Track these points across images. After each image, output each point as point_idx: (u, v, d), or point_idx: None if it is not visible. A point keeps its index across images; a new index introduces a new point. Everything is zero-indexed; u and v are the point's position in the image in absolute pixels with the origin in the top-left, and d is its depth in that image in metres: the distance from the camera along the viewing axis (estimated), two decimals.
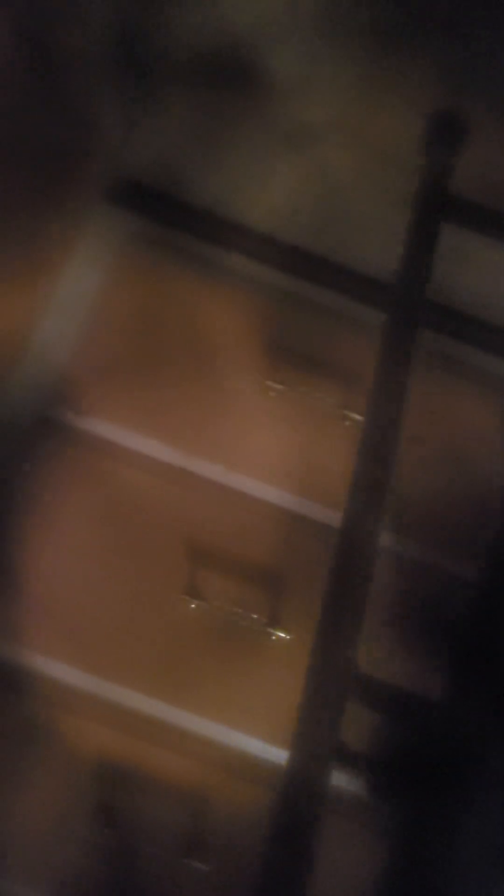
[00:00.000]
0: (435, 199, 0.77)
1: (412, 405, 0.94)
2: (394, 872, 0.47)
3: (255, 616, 0.88)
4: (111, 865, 0.82)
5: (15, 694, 0.84)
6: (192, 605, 0.87)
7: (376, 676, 0.55)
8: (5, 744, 0.82)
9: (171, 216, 0.95)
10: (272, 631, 0.88)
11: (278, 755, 0.85)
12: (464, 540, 0.86)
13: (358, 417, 0.93)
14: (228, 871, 0.84)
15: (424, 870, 0.41)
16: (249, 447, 0.93)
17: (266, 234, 0.95)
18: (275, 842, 0.54)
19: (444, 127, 0.80)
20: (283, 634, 0.88)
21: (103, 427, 0.90)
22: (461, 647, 0.49)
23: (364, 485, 0.65)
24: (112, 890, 0.82)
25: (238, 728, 0.86)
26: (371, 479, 0.65)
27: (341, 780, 0.83)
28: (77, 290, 0.92)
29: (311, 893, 0.52)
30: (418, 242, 0.76)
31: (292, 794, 0.54)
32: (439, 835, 0.41)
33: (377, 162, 0.84)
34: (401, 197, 0.85)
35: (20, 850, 0.81)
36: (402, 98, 0.80)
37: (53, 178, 0.84)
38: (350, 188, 0.87)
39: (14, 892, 0.81)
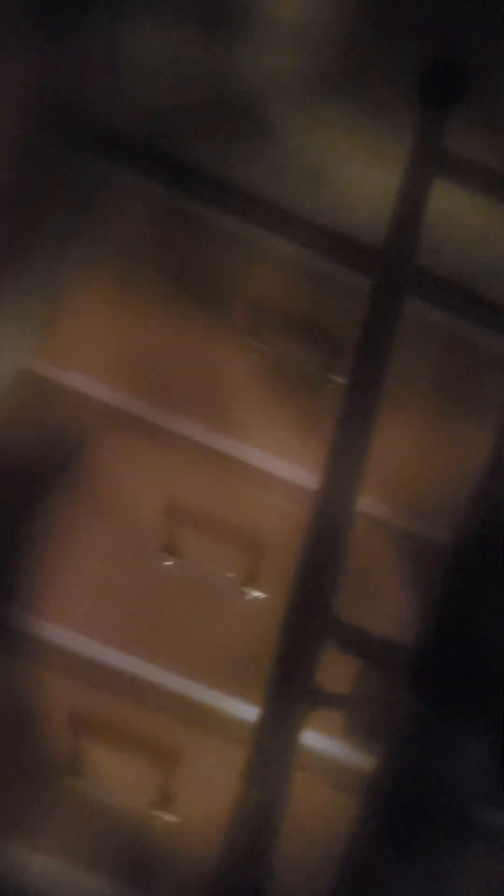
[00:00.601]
0: (428, 157, 0.76)
1: (396, 372, 0.94)
2: (365, 826, 0.47)
3: (231, 575, 0.88)
4: (83, 816, 0.83)
5: None
6: (169, 563, 0.88)
7: (352, 622, 0.55)
8: None
9: (160, 171, 0.93)
10: (247, 590, 0.88)
11: (249, 711, 0.86)
12: (441, 507, 0.87)
13: (341, 381, 0.93)
14: (197, 824, 0.85)
15: (396, 823, 0.41)
16: (231, 407, 0.92)
17: (253, 192, 0.94)
18: (245, 794, 0.55)
19: (439, 82, 0.79)
20: (257, 594, 0.88)
21: (83, 382, 0.89)
22: (434, 607, 0.50)
23: (342, 448, 0.65)
24: (83, 841, 0.84)
25: (209, 684, 0.87)
26: (350, 443, 0.65)
27: (314, 739, 0.84)
28: (62, 241, 0.90)
29: (277, 849, 0.52)
30: (409, 203, 0.75)
31: (265, 743, 0.55)
32: (414, 783, 0.41)
33: (370, 118, 0.83)
34: (393, 156, 0.84)
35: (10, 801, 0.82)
36: (397, 52, 0.79)
37: (44, 126, 0.82)
38: (341, 145, 0.85)
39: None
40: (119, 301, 0.91)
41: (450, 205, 0.87)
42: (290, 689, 0.56)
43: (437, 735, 0.39)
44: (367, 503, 0.91)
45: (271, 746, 0.54)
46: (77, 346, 0.90)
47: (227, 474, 0.91)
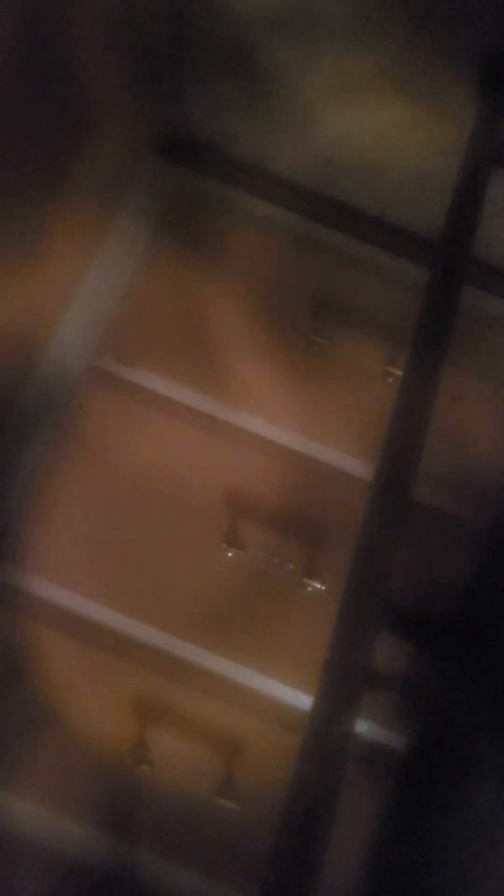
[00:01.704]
0: (486, 150, 0.76)
1: (455, 364, 0.93)
2: (408, 816, 0.48)
3: (292, 566, 0.89)
4: (146, 801, 0.85)
5: (60, 634, 0.87)
6: (230, 554, 0.89)
7: (409, 606, 0.56)
8: (52, 681, 0.85)
9: (218, 169, 0.95)
10: (307, 581, 0.89)
11: (308, 702, 0.87)
12: (497, 499, 0.86)
13: (401, 374, 0.93)
14: (257, 812, 0.86)
15: (439, 813, 0.42)
16: (291, 401, 0.93)
17: (313, 188, 0.95)
18: (298, 780, 0.56)
19: (497, 75, 0.79)
20: (317, 585, 0.89)
21: (148, 378, 0.91)
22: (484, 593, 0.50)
23: (398, 440, 0.65)
24: (146, 825, 0.86)
25: (270, 675, 0.88)
26: (405, 435, 0.65)
27: (364, 728, 0.84)
28: (125, 241, 0.93)
29: (331, 830, 0.53)
30: (466, 196, 0.75)
31: (320, 724, 0.55)
32: (460, 773, 0.42)
33: (428, 112, 0.83)
34: (451, 149, 0.84)
35: (62, 783, 0.85)
36: (455, 46, 0.79)
37: (102, 131, 0.84)
38: (399, 140, 0.86)
39: (54, 823, 0.85)
40: (183, 298, 0.94)
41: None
42: (346, 671, 0.57)
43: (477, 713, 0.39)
44: (424, 492, 0.91)
45: (326, 728, 0.55)
46: (143, 343, 0.93)
47: (288, 467, 0.92)
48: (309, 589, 0.89)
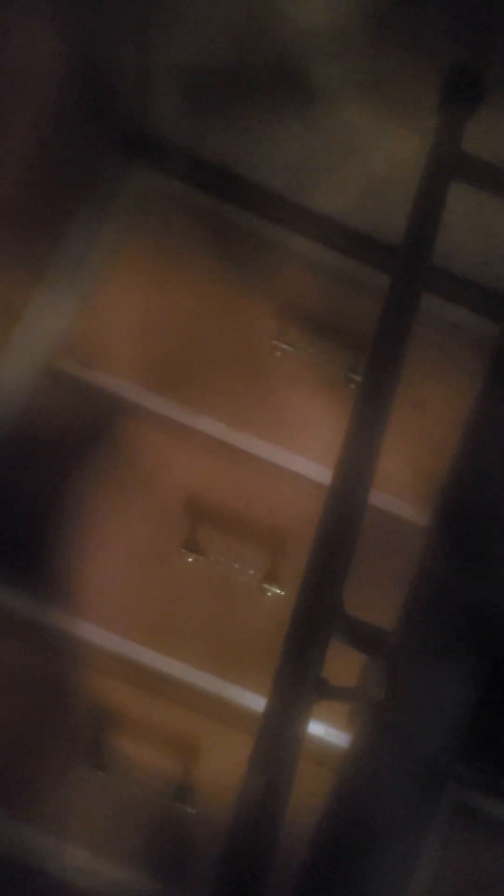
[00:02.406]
0: (446, 161, 0.77)
1: (416, 372, 0.94)
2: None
3: (252, 572, 0.89)
4: (103, 807, 0.85)
5: (16, 640, 0.86)
6: (190, 559, 0.89)
7: (360, 617, 0.56)
8: (8, 687, 0.85)
9: (183, 171, 0.95)
10: (267, 587, 0.89)
11: None
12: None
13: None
14: (215, 815, 0.86)
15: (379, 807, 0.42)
16: (254, 406, 0.93)
17: (278, 192, 0.95)
18: (249, 781, 0.56)
19: (459, 86, 0.79)
20: (277, 591, 0.89)
21: (109, 381, 0.91)
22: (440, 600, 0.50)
23: (355, 444, 0.65)
24: (103, 830, 0.85)
25: (229, 679, 0.88)
26: (362, 441, 0.66)
27: (319, 730, 0.85)
28: (89, 241, 0.92)
29: (280, 836, 0.53)
30: (427, 205, 0.75)
31: (270, 732, 0.56)
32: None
33: (392, 120, 0.83)
34: (414, 157, 0.85)
35: (17, 788, 0.84)
36: (419, 56, 0.79)
37: (71, 129, 0.84)
38: (363, 147, 0.86)
39: (11, 828, 0.84)
40: (145, 301, 0.93)
41: (472, 207, 0.88)
42: (296, 681, 0.57)
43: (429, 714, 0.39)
44: (383, 499, 0.91)
45: (276, 736, 0.55)
46: (103, 344, 0.92)
47: (249, 472, 0.92)
48: (269, 594, 0.90)
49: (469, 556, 0.28)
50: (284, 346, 0.94)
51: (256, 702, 0.87)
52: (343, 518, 0.63)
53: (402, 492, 0.91)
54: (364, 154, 0.87)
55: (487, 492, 0.28)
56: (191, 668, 0.88)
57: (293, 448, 0.93)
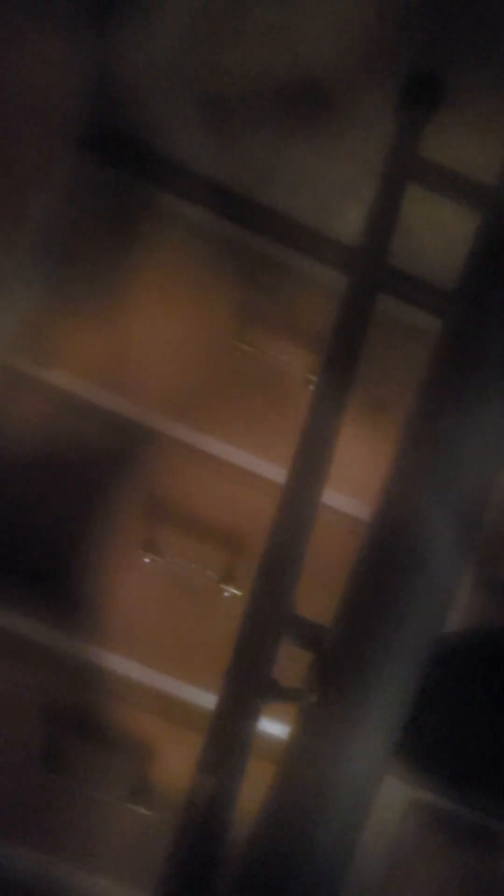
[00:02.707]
0: (403, 164, 0.77)
1: (374, 374, 0.95)
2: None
3: (209, 572, 0.89)
4: (57, 810, 0.84)
5: None
6: (147, 560, 0.89)
7: (310, 619, 0.56)
8: None
9: (141, 167, 0.95)
10: (225, 587, 0.89)
11: None
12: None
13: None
14: (170, 816, 0.86)
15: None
16: (212, 406, 0.93)
17: (239, 192, 0.95)
18: (198, 783, 0.55)
19: (417, 91, 0.80)
20: (235, 591, 0.89)
21: (64, 379, 0.90)
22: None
23: (309, 445, 0.66)
24: (58, 833, 0.85)
25: (185, 680, 0.88)
26: (317, 442, 0.66)
27: (272, 728, 0.85)
28: (44, 237, 0.92)
29: (229, 837, 0.53)
30: (384, 207, 0.76)
31: (219, 733, 0.56)
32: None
33: (348, 123, 0.84)
34: (373, 159, 0.85)
35: None
36: (377, 59, 0.80)
37: (23, 120, 0.83)
38: (321, 147, 0.87)
39: None
40: (103, 300, 0.93)
41: (433, 211, 0.88)
42: (246, 681, 0.57)
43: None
44: (343, 501, 0.92)
45: (225, 736, 0.55)
46: (59, 343, 0.92)
47: (208, 472, 0.92)
48: (226, 594, 0.89)
49: (404, 553, 0.28)
50: (244, 347, 0.95)
51: (212, 702, 0.87)
52: (295, 519, 0.64)
53: (362, 494, 0.91)
54: (325, 154, 0.88)
55: (426, 491, 0.29)
56: (147, 668, 0.87)
57: (252, 449, 0.93)
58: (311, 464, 0.66)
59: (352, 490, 0.91)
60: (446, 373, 0.30)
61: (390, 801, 0.88)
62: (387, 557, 0.29)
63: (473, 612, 0.92)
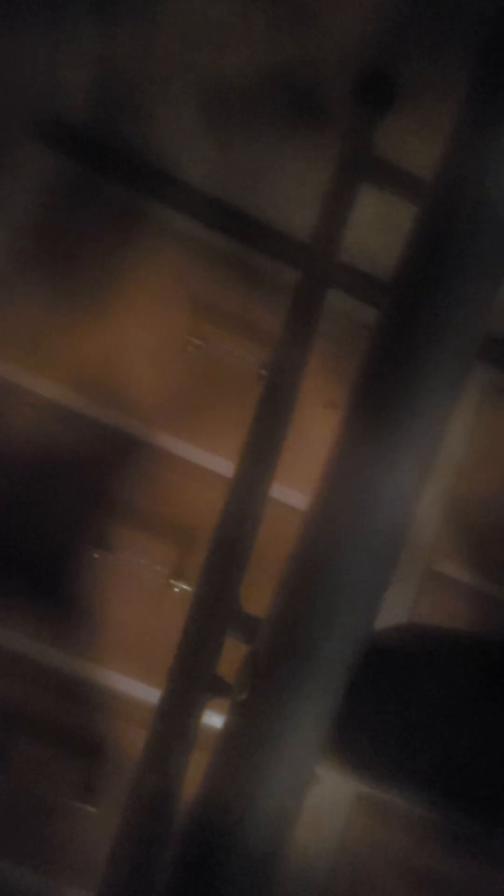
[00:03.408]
0: (356, 162, 0.77)
1: (328, 372, 0.95)
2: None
3: (159, 568, 0.89)
4: (2, 809, 0.83)
5: None
6: (96, 555, 0.88)
7: (255, 614, 0.56)
8: None
9: (96, 159, 0.94)
10: (175, 583, 0.89)
11: None
12: None
13: None
14: (117, 814, 0.85)
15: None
16: (165, 401, 0.93)
17: (193, 185, 0.94)
18: (141, 778, 0.55)
19: (371, 88, 0.80)
20: (185, 587, 0.89)
21: (16, 373, 0.89)
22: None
23: (258, 442, 0.66)
24: (3, 833, 0.83)
25: (135, 676, 0.87)
26: (263, 437, 0.66)
27: (215, 721, 0.85)
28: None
29: (174, 832, 0.53)
30: (336, 203, 0.76)
31: (163, 729, 0.55)
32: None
33: (303, 118, 0.84)
34: (328, 156, 0.85)
35: None
36: (333, 55, 0.80)
37: None
38: (281, 143, 0.86)
39: None
40: (52, 293, 0.92)
41: (384, 209, 0.89)
42: (189, 677, 0.56)
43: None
44: (294, 496, 0.92)
45: (168, 732, 0.55)
46: (9, 337, 0.90)
47: (158, 467, 0.91)
48: (176, 590, 0.89)
49: (335, 549, 0.28)
50: (197, 342, 0.94)
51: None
52: (243, 513, 0.63)
53: (311, 489, 0.91)
54: (281, 150, 0.88)
55: (357, 486, 0.29)
56: (96, 664, 0.87)
57: (203, 444, 0.93)
58: (259, 458, 0.66)
59: (301, 485, 0.91)
60: (378, 368, 0.30)
61: (338, 795, 0.89)
62: (318, 553, 0.29)
63: (417, 607, 0.93)
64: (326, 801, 0.88)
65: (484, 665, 0.36)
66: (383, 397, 0.30)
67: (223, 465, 0.92)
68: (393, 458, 0.28)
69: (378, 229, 0.89)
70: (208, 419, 0.93)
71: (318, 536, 0.30)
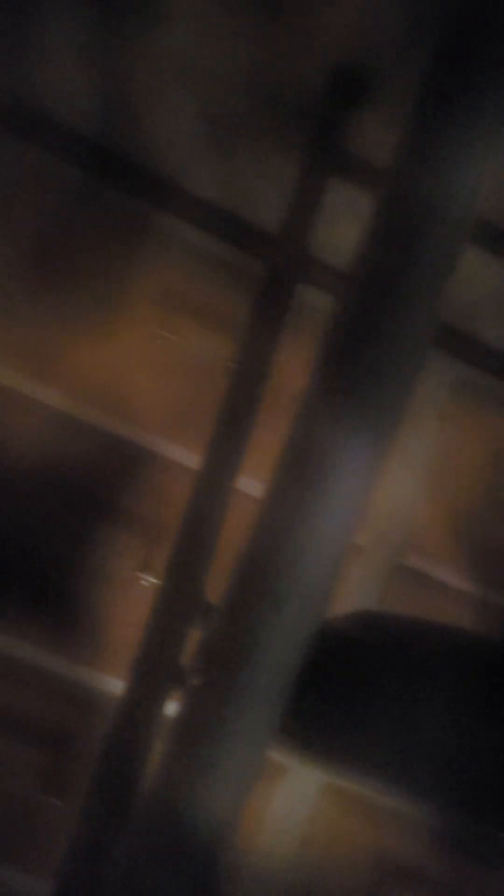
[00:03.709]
0: (325, 156, 0.77)
1: (296, 364, 0.95)
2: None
3: (127, 560, 0.88)
4: None
5: None
6: (63, 548, 0.87)
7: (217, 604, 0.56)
8: None
9: (62, 146, 0.93)
10: (142, 576, 0.89)
11: None
12: None
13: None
14: (81, 805, 0.85)
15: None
16: (133, 393, 0.92)
17: (161, 175, 0.94)
18: (102, 769, 0.55)
19: (342, 82, 0.80)
20: (153, 580, 0.89)
21: None
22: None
23: (224, 432, 0.66)
24: None
25: (100, 669, 0.87)
26: (229, 429, 0.66)
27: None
28: None
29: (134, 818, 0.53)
30: (305, 197, 0.76)
31: (126, 720, 0.55)
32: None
33: (274, 110, 0.84)
34: (295, 149, 0.85)
35: None
36: (305, 48, 0.80)
37: None
38: (249, 137, 0.86)
39: None
40: (20, 284, 0.91)
41: (355, 203, 0.89)
42: (153, 668, 0.56)
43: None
44: (256, 487, 0.92)
45: (131, 723, 0.55)
46: None
47: (126, 460, 0.91)
48: (143, 583, 0.89)
49: (288, 535, 0.28)
50: (165, 333, 0.94)
51: None
52: (208, 505, 0.63)
53: None
54: (250, 145, 0.88)
55: (314, 474, 0.29)
56: (62, 658, 0.86)
57: (171, 437, 0.92)
58: (225, 451, 0.66)
59: (266, 476, 0.91)
60: (336, 354, 0.30)
61: (304, 784, 0.89)
62: (269, 539, 0.29)
63: (385, 601, 0.94)
64: (292, 791, 0.88)
65: (441, 651, 0.36)
66: (339, 385, 0.30)
67: (190, 457, 0.92)
68: (348, 447, 0.29)
69: (347, 223, 0.89)
70: (177, 411, 0.93)
71: (270, 522, 0.30)
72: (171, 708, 0.85)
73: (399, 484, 0.96)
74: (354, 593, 0.93)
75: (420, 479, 0.96)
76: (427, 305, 0.30)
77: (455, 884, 0.90)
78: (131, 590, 0.88)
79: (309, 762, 0.37)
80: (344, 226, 0.90)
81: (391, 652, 0.33)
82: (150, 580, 0.89)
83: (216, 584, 0.90)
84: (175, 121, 0.90)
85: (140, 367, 0.93)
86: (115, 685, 0.87)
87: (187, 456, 0.92)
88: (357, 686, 0.33)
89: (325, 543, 0.28)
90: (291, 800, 0.88)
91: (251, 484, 0.91)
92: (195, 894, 0.27)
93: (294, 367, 0.95)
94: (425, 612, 0.94)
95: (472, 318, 0.96)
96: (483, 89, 0.30)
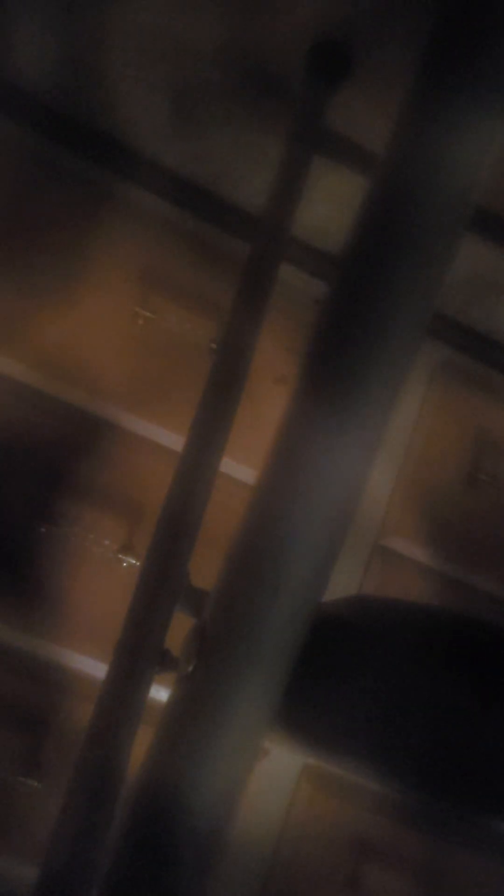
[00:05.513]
0: (308, 136, 0.77)
1: (280, 346, 0.94)
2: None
3: (107, 542, 0.88)
4: None
5: None
6: (43, 529, 0.87)
7: (204, 589, 0.56)
8: None
9: (43, 124, 0.91)
10: (123, 557, 0.88)
11: None
12: None
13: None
14: (62, 789, 0.85)
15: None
16: (113, 373, 0.91)
17: (142, 154, 0.93)
18: (86, 755, 0.55)
19: (325, 60, 0.79)
20: (133, 561, 0.88)
21: None
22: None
23: (205, 415, 0.65)
24: None
25: (82, 651, 0.87)
26: (213, 411, 0.65)
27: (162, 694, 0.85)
28: None
29: (112, 815, 0.53)
30: (288, 176, 0.75)
31: (109, 705, 0.55)
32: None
33: (257, 88, 0.82)
34: (282, 128, 0.84)
35: None
36: (288, 25, 0.79)
37: None
38: (232, 115, 0.85)
39: None
40: (3, 255, 0.89)
41: (337, 184, 0.88)
42: (137, 651, 0.56)
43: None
44: (245, 472, 0.92)
45: (115, 706, 0.55)
46: None
47: (106, 441, 0.90)
48: (124, 565, 0.88)
49: (282, 520, 0.28)
50: (147, 314, 0.93)
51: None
52: (191, 487, 0.63)
53: (261, 463, 0.91)
54: (232, 123, 0.87)
55: (305, 459, 0.28)
56: (41, 639, 0.86)
57: (152, 417, 0.92)
58: (208, 433, 0.65)
59: (251, 460, 0.91)
60: (328, 343, 0.30)
61: (285, 766, 0.90)
62: (264, 526, 0.29)
63: (366, 583, 0.94)
64: (273, 772, 0.89)
65: (432, 635, 0.37)
66: (332, 372, 0.30)
67: (173, 439, 0.91)
68: (342, 433, 0.28)
69: (331, 204, 0.88)
70: (158, 393, 0.92)
71: (266, 509, 0.30)
72: (155, 692, 0.85)
73: (378, 465, 0.96)
74: (333, 575, 0.93)
75: (399, 461, 0.96)
76: (421, 295, 0.29)
77: (436, 866, 0.91)
78: (112, 571, 0.88)
79: (295, 745, 0.37)
80: (328, 206, 0.89)
81: (386, 636, 0.33)
82: (130, 562, 0.88)
83: (204, 571, 0.90)
84: (152, 95, 0.88)
85: (119, 345, 0.92)
86: (94, 666, 0.87)
87: (168, 436, 0.91)
88: (345, 669, 0.33)
89: (320, 529, 0.28)
90: (271, 781, 0.89)
91: (234, 466, 0.91)
92: (190, 883, 0.27)
93: (277, 348, 0.94)
94: (404, 594, 0.94)
95: (453, 299, 0.96)
96: (480, 71, 0.30)
